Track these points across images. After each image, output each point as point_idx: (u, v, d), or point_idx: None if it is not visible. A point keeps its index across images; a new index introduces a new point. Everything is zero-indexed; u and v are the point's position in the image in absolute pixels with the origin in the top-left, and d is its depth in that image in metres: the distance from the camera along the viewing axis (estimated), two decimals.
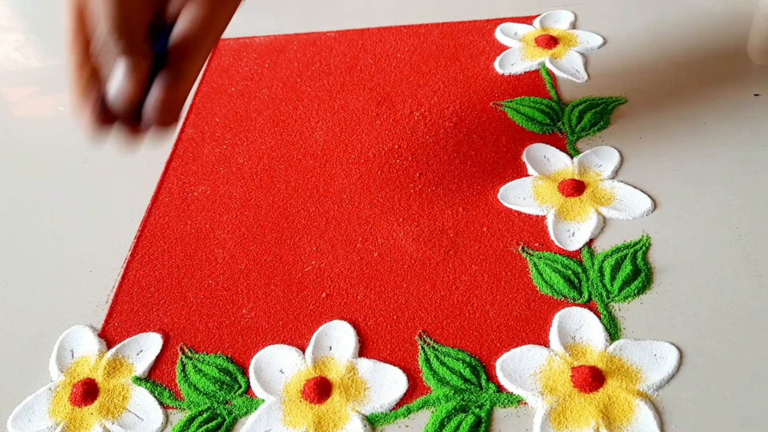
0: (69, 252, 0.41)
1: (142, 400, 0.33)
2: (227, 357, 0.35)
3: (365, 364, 0.33)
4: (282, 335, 0.35)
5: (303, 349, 0.35)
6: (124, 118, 0.32)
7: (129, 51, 0.31)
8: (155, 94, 0.32)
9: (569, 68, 0.48)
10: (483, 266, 0.37)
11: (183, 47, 0.32)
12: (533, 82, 0.48)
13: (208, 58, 0.34)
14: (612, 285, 0.35)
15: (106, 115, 0.32)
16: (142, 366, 0.35)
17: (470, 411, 0.31)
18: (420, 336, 0.34)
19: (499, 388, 0.32)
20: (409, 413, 0.31)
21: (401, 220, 0.40)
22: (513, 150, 0.43)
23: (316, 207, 0.42)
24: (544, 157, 0.42)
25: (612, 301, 0.34)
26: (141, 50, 0.31)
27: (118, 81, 0.32)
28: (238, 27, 0.38)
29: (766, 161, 0.39)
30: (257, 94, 0.51)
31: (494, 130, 0.45)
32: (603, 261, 0.36)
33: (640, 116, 0.44)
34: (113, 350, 0.36)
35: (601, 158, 0.41)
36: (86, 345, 0.36)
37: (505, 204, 0.40)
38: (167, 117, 0.33)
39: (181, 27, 0.32)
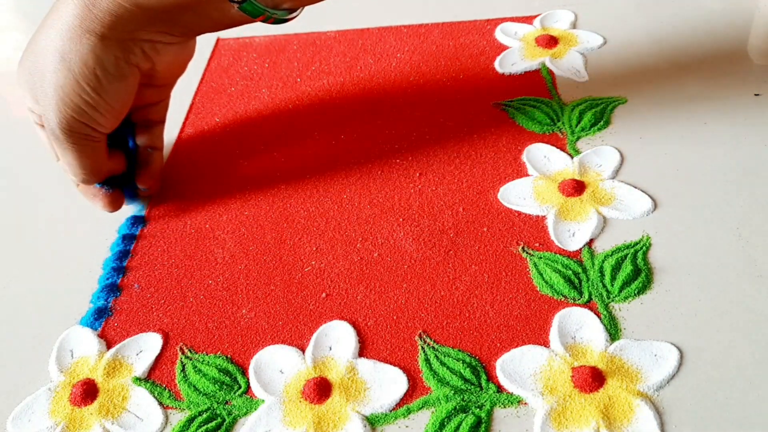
0: (69, 252, 0.41)
1: (142, 401, 0.33)
2: (227, 357, 0.35)
3: (365, 364, 0.33)
4: (282, 335, 0.35)
5: (303, 349, 0.35)
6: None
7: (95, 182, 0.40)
8: (139, 181, 0.42)
9: (569, 68, 0.48)
10: (483, 266, 0.37)
11: (147, 162, 0.42)
12: (533, 81, 0.48)
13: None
14: (612, 285, 0.35)
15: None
16: (141, 366, 0.35)
17: (470, 411, 0.31)
18: (420, 336, 0.34)
19: (499, 389, 0.32)
20: (409, 413, 0.31)
21: (401, 220, 0.40)
22: (513, 150, 0.43)
23: (316, 207, 0.42)
24: (544, 157, 0.42)
25: (612, 301, 0.34)
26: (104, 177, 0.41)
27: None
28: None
29: (766, 161, 0.39)
30: (257, 94, 0.51)
31: (494, 130, 0.45)
32: (603, 261, 0.36)
33: (640, 116, 0.44)
34: (113, 350, 0.36)
35: (601, 158, 0.41)
36: (86, 345, 0.36)
37: (505, 204, 0.40)
38: (154, 185, 0.43)
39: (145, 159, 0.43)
